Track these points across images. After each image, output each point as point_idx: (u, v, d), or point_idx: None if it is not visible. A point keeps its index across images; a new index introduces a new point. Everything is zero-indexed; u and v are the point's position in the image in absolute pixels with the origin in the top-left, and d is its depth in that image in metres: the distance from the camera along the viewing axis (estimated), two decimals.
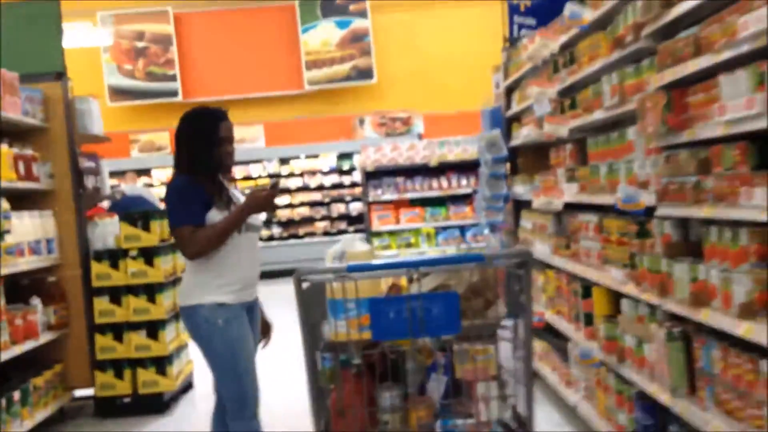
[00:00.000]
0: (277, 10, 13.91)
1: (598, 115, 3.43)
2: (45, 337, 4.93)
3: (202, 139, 3.20)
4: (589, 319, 3.88)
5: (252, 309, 3.31)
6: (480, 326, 2.57)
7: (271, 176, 13.12)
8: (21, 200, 5.07)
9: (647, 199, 2.82)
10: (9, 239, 4.58)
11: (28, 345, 4.68)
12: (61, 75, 5.39)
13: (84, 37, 12.25)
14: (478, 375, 2.58)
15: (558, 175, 4.24)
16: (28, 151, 5.07)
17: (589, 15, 3.39)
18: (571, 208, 4.21)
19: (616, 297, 3.59)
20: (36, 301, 4.93)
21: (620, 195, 2.90)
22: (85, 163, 5.58)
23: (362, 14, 13.87)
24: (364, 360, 2.58)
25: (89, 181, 5.63)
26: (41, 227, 5.08)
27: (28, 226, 4.93)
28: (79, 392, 5.44)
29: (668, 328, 2.86)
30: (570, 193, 3.92)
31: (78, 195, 5.37)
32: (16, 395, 4.46)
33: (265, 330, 3.48)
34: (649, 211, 2.87)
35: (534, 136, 4.52)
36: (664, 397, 2.92)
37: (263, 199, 3.16)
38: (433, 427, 2.59)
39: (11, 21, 5.38)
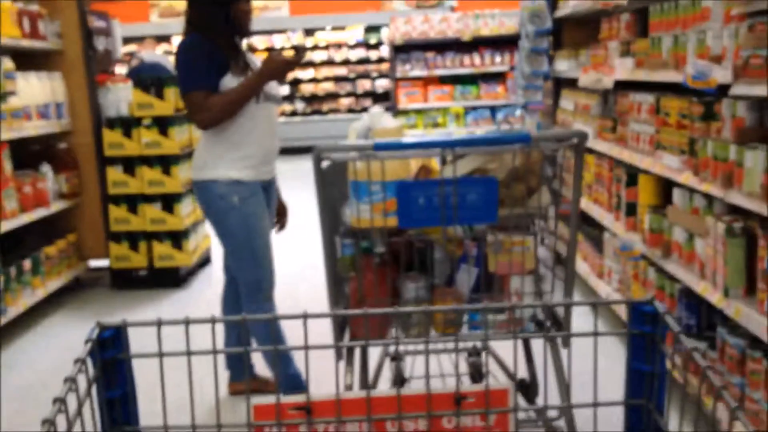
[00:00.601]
0: None
1: None
2: (56, 206, 4.76)
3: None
4: (631, 209, 3.58)
5: (268, 188, 3.06)
6: (519, 216, 2.29)
7: (295, 48, 12.58)
8: (27, 60, 4.76)
9: (721, 75, 2.44)
10: (15, 101, 4.31)
11: (39, 213, 4.52)
12: None
13: None
14: (513, 268, 2.32)
15: (610, 48, 3.81)
16: (34, 7, 4.70)
17: None
18: (622, 86, 3.81)
19: (666, 186, 3.27)
20: (46, 168, 4.72)
21: (690, 70, 2.52)
22: (96, 22, 5.21)
23: None
24: (388, 248, 2.33)
25: (100, 43, 5.28)
26: (50, 90, 4.79)
27: (36, 88, 4.65)
28: (95, 263, 5.34)
29: (728, 223, 2.56)
30: (624, 69, 3.51)
31: (88, 56, 5.03)
32: (27, 264, 4.34)
33: (280, 212, 3.25)
34: (721, 90, 2.49)
35: (587, 5, 4.05)
36: (714, 297, 2.66)
37: (281, 65, 2.82)
38: (461, 322, 2.37)
39: None
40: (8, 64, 4.24)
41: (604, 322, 4.04)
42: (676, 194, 3.01)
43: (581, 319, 3.83)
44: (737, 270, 2.53)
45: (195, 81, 2.83)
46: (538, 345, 2.94)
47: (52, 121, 4.78)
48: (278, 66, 2.82)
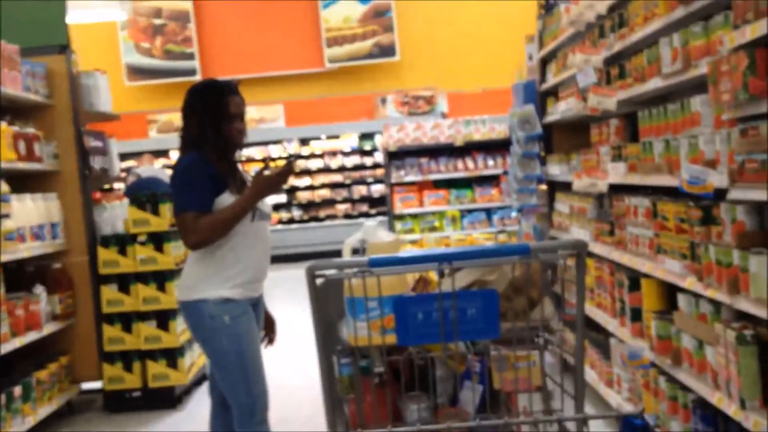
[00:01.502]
0: None
1: (654, 83, 3.02)
2: (49, 328, 4.66)
3: (210, 114, 2.88)
4: (636, 315, 3.50)
5: (257, 305, 2.98)
6: (522, 329, 2.22)
7: (289, 157, 12.80)
8: (23, 182, 4.78)
9: (717, 179, 2.43)
10: (9, 224, 4.29)
11: (31, 336, 4.41)
12: (64, 48, 5.07)
13: (99, 13, 11.94)
14: (519, 385, 2.23)
15: (601, 153, 3.84)
16: (30, 130, 4.77)
17: None
18: (616, 190, 3.81)
19: (669, 291, 3.20)
20: (39, 290, 4.65)
21: (685, 175, 2.51)
22: (92, 143, 5.27)
23: None
24: (388, 367, 2.24)
25: (96, 162, 5.32)
26: (45, 211, 4.78)
27: (31, 210, 4.64)
28: (87, 385, 5.18)
29: (738, 330, 2.48)
30: (617, 173, 3.52)
31: (84, 176, 5.06)
32: (17, 390, 4.19)
33: (268, 326, 3.16)
34: (719, 195, 2.47)
35: (575, 111, 4.11)
36: (731, 409, 2.55)
37: (273, 180, 2.82)
38: None
39: None
40: (3, 186, 4.25)
41: None
42: (682, 300, 2.94)
43: (600, 430, 3.67)
44: (752, 380, 2.43)
45: (187, 202, 2.80)
46: None
47: (47, 241, 4.75)
48: (268, 183, 2.81)
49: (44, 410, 4.50)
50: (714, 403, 2.66)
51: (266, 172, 2.83)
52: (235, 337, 2.81)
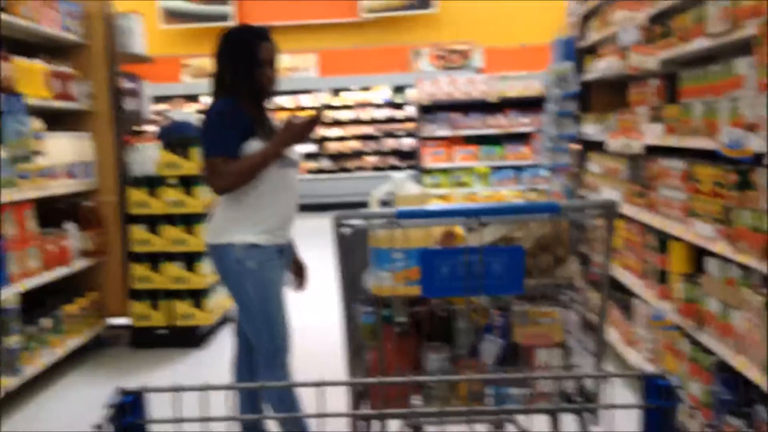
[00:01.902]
0: None
1: (699, 44, 2.93)
2: (79, 264, 4.76)
3: (242, 60, 2.87)
4: (663, 277, 3.46)
5: (284, 252, 3.00)
6: (547, 286, 2.21)
7: (320, 108, 12.74)
8: (57, 120, 4.83)
9: (756, 144, 2.37)
10: (43, 161, 4.36)
11: (61, 271, 4.51)
12: None
13: None
14: (539, 340, 2.23)
15: (639, 113, 3.75)
16: (66, 69, 4.80)
17: None
18: (652, 152, 3.74)
19: (698, 254, 3.16)
20: (70, 226, 4.73)
21: (724, 138, 2.45)
22: (125, 84, 5.29)
23: None
24: (410, 317, 2.25)
25: (129, 104, 5.35)
26: (78, 149, 4.84)
27: (65, 148, 4.70)
28: (116, 321, 5.30)
29: (766, 296, 2.44)
30: (653, 134, 3.45)
31: (117, 117, 5.10)
32: (47, 322, 4.31)
33: (299, 271, 3.18)
34: (757, 159, 2.41)
35: (615, 69, 4.01)
36: (753, 373, 2.53)
37: (299, 129, 2.81)
38: (484, 395, 2.26)
39: None
40: (37, 124, 4.30)
41: (638, 394, 3.88)
42: (710, 264, 2.90)
43: (616, 390, 3.68)
44: None
45: (217, 146, 2.82)
46: (567, 420, 2.81)
47: (79, 180, 4.81)
48: (296, 132, 2.81)
49: (72, 342, 4.62)
50: (736, 367, 2.64)
51: (295, 121, 2.82)
52: (260, 282, 2.85)
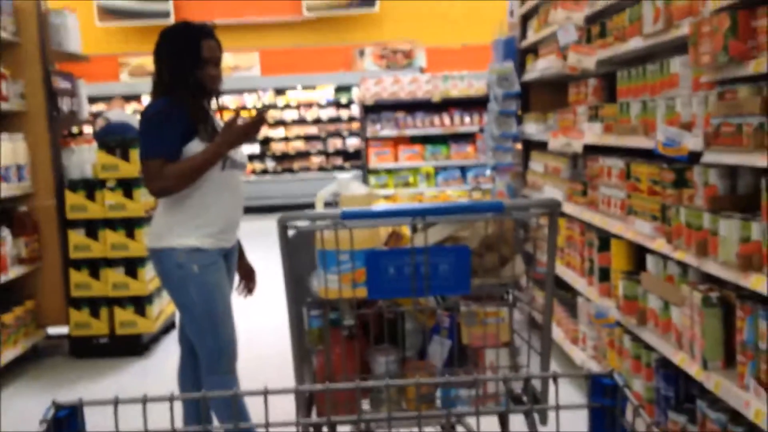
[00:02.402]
0: None
1: (635, 43, 2.99)
2: (15, 271, 4.59)
3: (182, 58, 2.79)
4: (605, 275, 3.53)
5: (229, 255, 2.94)
6: (493, 286, 2.22)
7: (264, 107, 12.62)
8: None
9: (692, 142, 2.43)
10: None
11: None
12: None
13: None
14: (487, 341, 2.24)
15: (578, 113, 3.82)
16: None
17: None
18: (591, 150, 3.81)
19: (639, 252, 3.24)
20: (5, 232, 4.56)
21: (660, 137, 2.50)
22: (60, 83, 5.13)
23: None
24: (357, 320, 2.24)
25: (65, 104, 5.19)
26: (11, 152, 4.67)
27: None
28: (54, 330, 5.14)
29: (704, 292, 2.51)
30: (592, 133, 3.52)
31: (52, 117, 4.93)
32: None
33: (247, 275, 3.12)
34: (693, 157, 2.48)
35: (554, 69, 4.08)
36: (693, 369, 2.60)
37: (243, 130, 2.75)
38: (433, 397, 2.26)
39: None
40: None
41: (583, 394, 3.95)
42: (650, 261, 2.97)
43: (563, 389, 3.74)
44: (715, 341, 2.47)
45: (154, 148, 2.73)
46: (516, 420, 2.83)
47: (13, 183, 4.64)
48: (239, 132, 2.74)
49: (10, 353, 4.46)
50: (677, 363, 2.71)
51: (237, 122, 2.77)
52: (203, 286, 2.79)
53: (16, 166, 4.71)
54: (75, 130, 5.87)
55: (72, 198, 4.84)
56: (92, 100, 8.10)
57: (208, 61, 2.82)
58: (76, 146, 5.06)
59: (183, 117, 2.77)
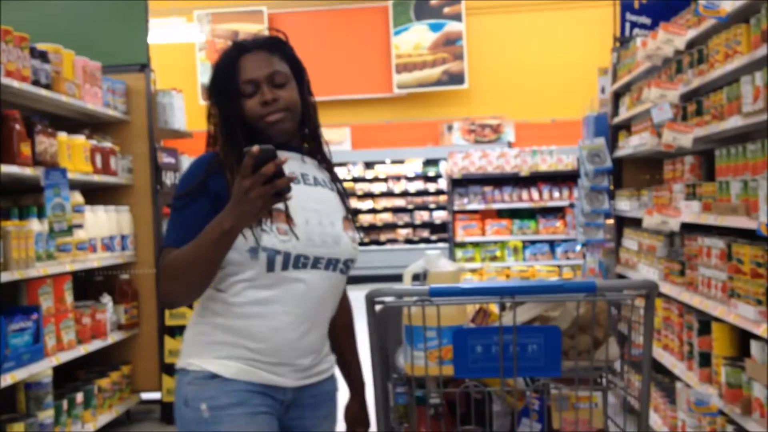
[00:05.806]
0: (369, 12, 13.69)
1: (733, 122, 2.92)
2: (114, 337, 4.77)
3: (219, 93, 1.88)
4: (705, 360, 3.36)
5: (298, 398, 1.94)
6: (585, 369, 2.15)
7: (354, 180, 12.91)
8: (97, 194, 4.95)
9: None
10: (81, 234, 4.44)
11: (96, 344, 4.52)
12: (144, 67, 5.24)
13: (178, 33, 12.36)
14: (579, 426, 2.15)
15: (675, 191, 3.72)
16: (107, 144, 4.94)
17: (728, 5, 2.89)
18: (688, 229, 3.69)
19: (742, 337, 3.07)
20: (106, 299, 4.78)
21: (763, 218, 2.40)
22: (165, 159, 5.42)
23: (456, 17, 13.47)
24: (444, 398, 2.20)
25: (168, 177, 5.47)
26: (116, 223, 4.93)
27: (103, 221, 4.79)
28: (147, 395, 5.27)
29: None
30: (690, 212, 3.41)
31: (156, 191, 5.20)
32: (79, 397, 4.30)
33: (355, 423, 2.23)
34: None
35: (648, 146, 4.01)
36: None
37: (244, 188, 1.61)
38: None
39: (97, 12, 5.28)
40: (78, 198, 4.40)
41: None
42: (755, 347, 2.81)
43: None
44: None
45: (167, 233, 1.80)
46: None
47: (116, 252, 4.88)
48: (242, 193, 1.61)
49: (104, 417, 4.59)
50: None
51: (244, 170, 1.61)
52: None
53: (120, 236, 4.96)
54: None
55: None
56: None
57: (250, 84, 1.86)
58: None
59: (219, 180, 1.82)
